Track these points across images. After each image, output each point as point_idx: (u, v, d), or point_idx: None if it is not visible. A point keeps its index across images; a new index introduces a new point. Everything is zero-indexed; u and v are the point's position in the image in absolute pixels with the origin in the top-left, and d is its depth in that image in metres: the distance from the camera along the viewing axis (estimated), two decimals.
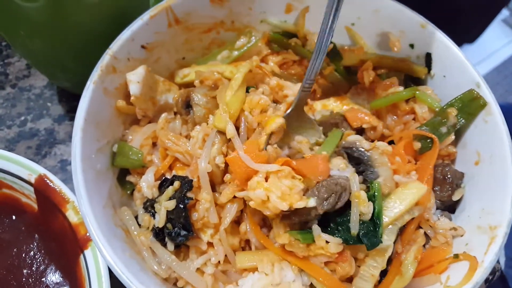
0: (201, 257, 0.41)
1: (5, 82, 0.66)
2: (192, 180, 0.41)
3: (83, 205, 0.37)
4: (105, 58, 0.44)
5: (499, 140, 0.42)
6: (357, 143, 0.41)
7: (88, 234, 0.41)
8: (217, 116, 0.43)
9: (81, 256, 0.41)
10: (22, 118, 0.62)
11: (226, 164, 0.42)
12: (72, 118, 0.62)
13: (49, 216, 0.45)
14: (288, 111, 0.45)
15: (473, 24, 1.44)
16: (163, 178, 0.44)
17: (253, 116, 0.43)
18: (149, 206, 0.43)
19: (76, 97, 0.63)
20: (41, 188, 0.44)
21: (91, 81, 0.43)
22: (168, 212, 0.40)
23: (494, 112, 0.44)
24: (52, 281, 0.45)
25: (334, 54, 0.54)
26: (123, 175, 0.47)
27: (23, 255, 0.46)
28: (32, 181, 0.44)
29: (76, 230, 0.42)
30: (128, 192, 0.47)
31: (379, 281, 0.41)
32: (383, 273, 0.41)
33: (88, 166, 0.39)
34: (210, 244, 0.42)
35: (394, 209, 0.40)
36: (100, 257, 0.40)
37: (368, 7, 0.52)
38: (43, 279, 0.45)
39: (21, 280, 0.45)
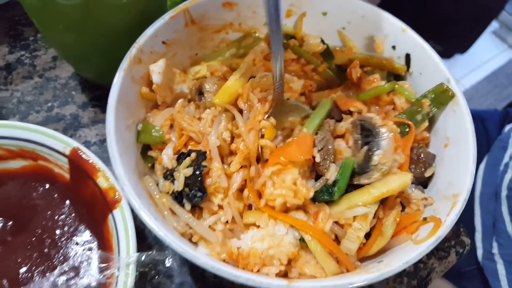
0: (213, 217, 0.48)
1: (33, 73, 0.73)
2: (206, 152, 0.49)
3: (117, 168, 0.44)
4: (133, 51, 0.52)
5: (464, 127, 0.50)
6: (372, 118, 0.49)
7: (116, 197, 0.48)
8: (217, 95, 0.51)
9: (110, 216, 0.49)
10: (49, 104, 0.70)
11: (232, 138, 0.50)
12: (94, 106, 0.70)
13: (81, 184, 0.52)
14: (270, 111, 0.52)
15: (465, 35, 1.53)
16: (180, 152, 0.51)
17: (254, 95, 0.50)
18: (169, 175, 0.50)
19: (98, 88, 0.72)
20: (75, 159, 0.51)
21: (121, 69, 0.51)
22: (186, 178, 0.48)
23: (460, 103, 0.52)
24: (82, 239, 0.52)
25: (327, 54, 0.62)
26: (145, 151, 0.55)
27: (56, 217, 0.53)
28: (67, 153, 0.52)
29: (106, 194, 0.49)
30: (149, 165, 0.54)
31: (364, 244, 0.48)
32: (367, 237, 0.48)
33: (120, 138, 0.47)
34: (220, 207, 0.49)
35: (382, 189, 0.47)
36: (127, 214, 0.47)
37: (357, 13, 0.61)
38: (74, 237, 0.52)
39: (54, 238, 0.52)
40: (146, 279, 0.48)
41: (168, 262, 0.47)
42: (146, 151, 0.55)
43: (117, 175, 0.44)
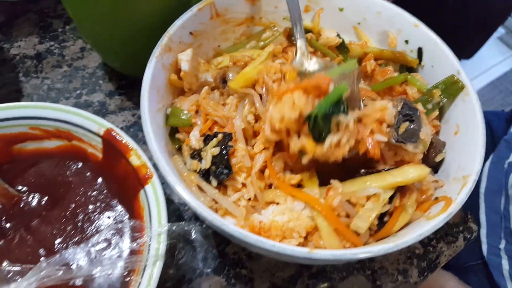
0: (237, 194, 0.52)
1: (62, 62, 0.77)
2: (231, 133, 0.52)
3: (152, 145, 0.48)
4: (164, 39, 0.56)
5: (474, 115, 0.54)
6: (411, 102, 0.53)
7: (148, 173, 0.52)
8: (233, 80, 0.55)
9: (141, 191, 0.52)
10: (78, 92, 0.74)
11: (255, 121, 0.54)
12: (120, 94, 0.74)
13: (113, 162, 0.56)
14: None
15: (470, 40, 1.55)
16: (206, 135, 0.55)
17: (269, 77, 0.54)
18: (196, 155, 0.54)
19: (123, 77, 0.76)
20: (109, 139, 0.55)
21: (153, 56, 0.55)
22: (213, 157, 0.51)
23: (470, 93, 0.55)
24: (114, 213, 0.55)
25: (342, 48, 0.66)
26: (172, 135, 0.58)
27: (89, 193, 0.57)
28: (101, 133, 0.55)
29: (138, 171, 0.53)
30: (176, 147, 0.58)
31: (379, 227, 0.51)
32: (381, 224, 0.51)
33: (153, 119, 0.51)
34: (243, 185, 0.53)
35: (398, 177, 0.50)
36: (158, 189, 0.51)
37: (373, 9, 0.64)
38: (106, 211, 0.56)
39: (87, 212, 0.55)
40: (174, 252, 0.51)
41: (194, 234, 0.51)
42: (173, 134, 0.59)
43: (152, 151, 0.48)
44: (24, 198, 0.57)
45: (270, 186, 0.54)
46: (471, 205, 0.69)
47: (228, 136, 0.52)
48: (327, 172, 0.56)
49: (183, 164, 0.54)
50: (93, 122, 0.56)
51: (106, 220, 0.55)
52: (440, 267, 0.64)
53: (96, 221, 0.55)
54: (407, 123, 0.52)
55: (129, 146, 0.54)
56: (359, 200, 0.50)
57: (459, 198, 0.47)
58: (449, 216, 0.45)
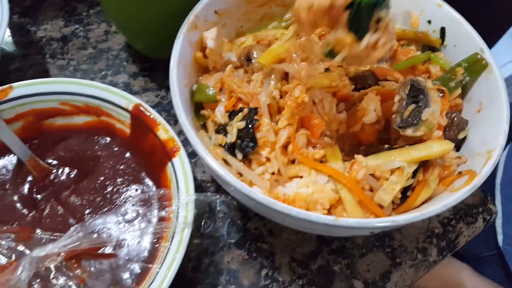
0: (261, 167, 0.53)
1: (87, 44, 0.79)
2: (257, 108, 0.54)
3: (181, 116, 0.49)
4: (191, 17, 0.57)
5: (498, 92, 0.54)
6: (422, 81, 0.52)
7: (175, 147, 0.54)
8: (261, 56, 0.56)
9: (169, 164, 0.54)
10: (103, 73, 0.75)
11: (280, 97, 0.55)
12: (144, 75, 0.75)
13: (141, 137, 0.57)
14: None
15: (483, 38, 1.54)
16: (231, 110, 0.56)
17: (298, 56, 0.54)
18: (221, 129, 0.55)
19: (147, 59, 0.78)
20: (137, 114, 0.57)
21: (181, 33, 0.56)
22: (238, 131, 0.53)
23: (494, 71, 0.55)
24: (142, 185, 0.57)
25: None
26: (197, 111, 0.60)
27: (117, 167, 0.59)
28: (130, 108, 0.57)
29: (166, 145, 0.54)
30: (201, 123, 0.59)
31: (402, 201, 0.52)
32: (404, 198, 0.52)
33: (181, 93, 0.52)
34: (267, 159, 0.54)
35: (422, 152, 0.50)
36: (185, 162, 0.52)
37: None
38: (134, 184, 0.57)
39: (116, 184, 0.57)
40: (199, 223, 0.53)
41: (219, 205, 0.52)
42: (197, 111, 0.60)
43: (182, 124, 0.49)
44: (54, 171, 0.59)
45: (293, 162, 0.55)
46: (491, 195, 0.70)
47: (253, 111, 0.53)
48: (347, 151, 0.57)
49: (208, 139, 0.56)
50: (122, 98, 0.57)
51: (134, 192, 0.57)
52: (459, 247, 0.65)
53: (124, 193, 0.57)
54: (413, 106, 0.51)
55: (157, 121, 0.55)
56: (383, 173, 0.50)
57: (484, 171, 0.47)
58: (473, 188, 0.46)
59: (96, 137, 0.61)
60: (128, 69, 0.76)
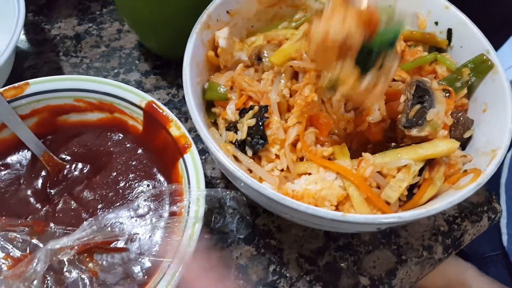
0: (271, 164, 0.54)
1: (100, 43, 0.81)
2: (267, 106, 0.55)
3: (193, 113, 0.51)
4: (203, 16, 0.59)
5: (503, 93, 0.55)
6: (428, 81, 0.53)
7: (187, 143, 0.55)
8: (273, 56, 0.57)
9: (180, 160, 0.55)
10: (116, 70, 0.77)
11: (290, 95, 0.56)
12: (155, 74, 0.77)
13: (153, 133, 0.59)
14: None
15: (491, 39, 1.54)
16: (242, 108, 0.58)
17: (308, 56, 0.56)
18: (232, 127, 0.57)
19: (158, 58, 0.79)
20: (150, 111, 0.58)
21: (194, 32, 0.57)
22: (249, 128, 0.54)
23: (500, 72, 0.56)
24: (153, 181, 0.58)
25: None
26: (208, 109, 0.61)
27: (129, 163, 0.60)
28: (143, 105, 0.58)
29: (178, 141, 0.55)
30: (212, 120, 0.61)
31: (408, 198, 0.53)
32: (410, 195, 0.53)
33: (193, 91, 0.54)
34: (277, 156, 0.55)
35: (429, 150, 0.51)
36: (197, 158, 0.53)
37: None
38: (146, 180, 0.59)
39: (128, 180, 0.59)
40: (210, 218, 0.54)
41: (229, 201, 0.54)
42: (209, 109, 0.61)
43: (194, 120, 0.51)
44: (68, 166, 0.60)
45: (301, 159, 0.57)
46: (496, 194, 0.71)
47: (264, 108, 0.55)
48: (354, 149, 0.58)
49: (219, 136, 0.57)
50: (135, 95, 0.59)
51: (145, 187, 0.58)
52: (464, 245, 0.66)
53: (136, 188, 0.58)
54: (418, 106, 0.52)
55: (170, 118, 0.57)
56: (390, 171, 0.51)
57: (489, 169, 0.48)
58: (478, 185, 0.47)
59: (109, 133, 0.63)
60: (140, 67, 0.78)
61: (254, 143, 0.54)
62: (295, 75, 0.58)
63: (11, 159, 0.60)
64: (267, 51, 0.61)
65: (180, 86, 0.76)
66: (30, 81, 0.59)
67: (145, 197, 0.55)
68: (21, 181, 0.59)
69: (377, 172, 0.52)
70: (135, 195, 0.58)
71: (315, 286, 0.59)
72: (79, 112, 0.62)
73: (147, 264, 0.51)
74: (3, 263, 0.52)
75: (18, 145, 0.60)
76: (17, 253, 0.53)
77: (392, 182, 0.51)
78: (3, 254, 0.52)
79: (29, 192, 0.58)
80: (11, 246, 0.53)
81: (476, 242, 1.08)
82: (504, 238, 1.01)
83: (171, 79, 0.76)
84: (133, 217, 0.54)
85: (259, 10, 0.68)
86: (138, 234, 0.54)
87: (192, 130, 0.68)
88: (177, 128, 0.56)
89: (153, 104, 0.58)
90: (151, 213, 0.54)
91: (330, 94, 0.50)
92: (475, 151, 0.55)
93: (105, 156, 0.61)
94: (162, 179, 0.59)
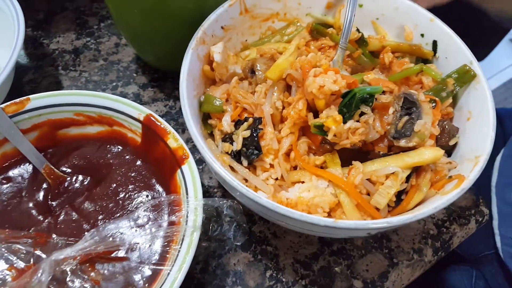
0: (265, 173, 0.57)
1: (98, 56, 0.83)
2: (261, 118, 0.57)
3: (190, 126, 0.53)
4: (199, 32, 0.61)
5: (485, 101, 0.58)
6: (415, 93, 0.56)
7: (185, 155, 0.57)
8: (269, 71, 0.60)
9: (178, 171, 0.57)
10: (114, 83, 0.79)
11: (283, 108, 0.59)
12: (153, 86, 0.79)
13: (152, 145, 0.61)
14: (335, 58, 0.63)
15: (483, 42, 1.58)
16: (237, 120, 0.60)
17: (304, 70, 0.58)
18: (227, 138, 0.59)
19: (156, 71, 0.82)
20: (148, 124, 0.60)
21: (190, 47, 0.60)
22: (244, 139, 0.56)
23: (482, 81, 0.59)
24: (152, 191, 0.60)
25: (362, 41, 0.70)
26: (204, 121, 0.63)
27: (129, 174, 0.62)
28: (141, 119, 0.60)
29: (175, 153, 0.57)
30: (208, 132, 0.63)
31: (396, 204, 0.55)
32: (398, 201, 0.55)
33: (190, 104, 0.56)
34: (271, 166, 0.58)
35: (415, 158, 0.54)
36: (194, 168, 0.55)
37: (391, 6, 0.69)
38: (145, 190, 0.61)
39: (128, 191, 0.61)
40: (207, 227, 0.56)
41: (226, 210, 0.56)
42: (205, 121, 0.64)
43: (191, 132, 0.53)
44: (69, 178, 0.62)
45: (295, 168, 0.59)
46: (483, 198, 0.74)
47: (258, 120, 0.57)
48: (346, 157, 0.60)
49: (215, 147, 0.60)
50: (133, 109, 0.61)
51: (145, 198, 0.60)
52: (453, 248, 0.68)
53: (136, 199, 0.60)
54: (406, 117, 0.55)
55: (167, 130, 0.59)
56: (379, 178, 0.54)
57: (472, 175, 0.51)
58: (462, 191, 0.50)
59: (108, 146, 0.65)
60: (138, 80, 0.80)
61: (249, 154, 0.56)
62: (287, 88, 0.61)
63: (13, 172, 0.62)
64: (260, 65, 0.64)
65: (177, 98, 0.78)
66: (31, 96, 0.61)
67: (145, 208, 0.57)
68: (23, 193, 0.61)
69: (367, 179, 0.55)
70: (135, 206, 0.60)
71: None
72: (79, 126, 0.64)
73: (148, 272, 0.53)
74: (7, 275, 0.54)
75: (19, 159, 0.62)
76: (21, 264, 0.54)
77: (381, 189, 0.54)
78: (7, 266, 0.54)
79: (31, 205, 0.60)
80: (15, 257, 0.55)
81: (471, 243, 1.11)
82: (497, 238, 1.04)
83: (168, 91, 0.79)
84: (133, 227, 0.56)
85: (253, 24, 0.70)
86: (138, 243, 0.56)
87: (189, 140, 0.70)
88: (174, 140, 0.58)
89: (151, 117, 0.60)
90: (150, 223, 0.56)
91: (318, 133, 0.56)
92: (460, 157, 0.58)
93: (105, 168, 0.63)
94: (160, 189, 0.61)
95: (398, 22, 0.70)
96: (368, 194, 0.55)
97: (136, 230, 0.56)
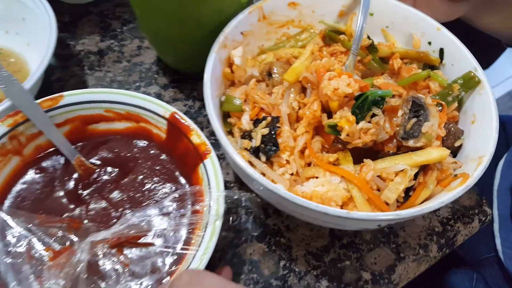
0: (282, 168, 0.61)
1: (122, 58, 0.88)
2: (279, 117, 0.62)
3: (214, 122, 0.57)
4: (221, 37, 0.66)
5: (489, 106, 0.62)
6: (423, 97, 0.60)
7: (207, 150, 0.61)
8: (286, 73, 0.64)
9: (201, 165, 0.61)
10: (137, 84, 0.84)
11: (299, 108, 0.63)
12: (173, 87, 0.84)
13: (176, 141, 0.65)
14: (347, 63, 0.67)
15: (488, 51, 1.61)
16: (256, 118, 0.64)
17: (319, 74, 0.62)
18: (247, 135, 0.63)
19: (176, 73, 0.86)
20: (173, 121, 0.64)
21: (213, 51, 0.64)
22: (262, 136, 0.61)
23: (486, 87, 0.63)
24: (176, 184, 0.64)
25: (372, 48, 0.74)
26: (224, 120, 0.68)
27: (154, 167, 0.66)
28: (167, 116, 0.64)
29: (198, 148, 0.61)
30: (227, 130, 0.67)
31: (404, 199, 0.59)
32: (406, 197, 0.59)
33: (213, 103, 0.60)
34: (287, 162, 0.62)
35: (423, 157, 0.58)
36: (216, 163, 0.59)
37: (399, 14, 0.73)
38: (169, 183, 0.65)
39: (153, 183, 0.64)
40: (228, 218, 0.60)
41: (244, 202, 0.59)
42: (224, 119, 0.68)
43: (215, 128, 0.57)
44: (98, 170, 0.67)
45: (309, 164, 0.63)
46: (486, 199, 0.78)
47: (276, 119, 0.62)
48: (357, 156, 0.64)
49: (235, 143, 0.64)
50: (159, 107, 0.65)
51: (169, 189, 0.65)
52: (457, 245, 0.72)
53: (160, 190, 0.64)
54: (414, 120, 0.59)
55: (191, 127, 0.63)
56: (389, 175, 0.58)
57: (475, 173, 0.55)
58: (466, 187, 0.53)
59: (134, 140, 0.69)
60: (159, 81, 0.85)
61: (267, 150, 0.60)
62: (303, 90, 0.65)
63: (46, 163, 0.67)
64: (276, 68, 0.68)
65: (195, 98, 0.83)
66: (64, 93, 0.66)
67: (170, 198, 0.61)
68: (55, 183, 0.65)
69: (377, 176, 0.59)
70: (160, 196, 0.64)
71: (321, 280, 0.64)
72: (108, 122, 0.69)
73: (173, 257, 0.57)
74: (45, 255, 0.58)
75: (52, 151, 0.67)
76: (57, 247, 0.58)
77: (391, 185, 0.58)
78: (44, 247, 0.58)
79: (62, 193, 0.64)
80: (51, 240, 0.59)
81: (472, 246, 1.14)
82: (498, 241, 1.07)
83: (188, 92, 0.83)
84: (159, 215, 0.60)
85: (270, 30, 0.75)
86: (164, 230, 0.60)
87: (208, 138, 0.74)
88: (197, 136, 0.63)
89: (176, 115, 0.65)
90: (175, 211, 0.60)
91: (331, 133, 0.60)
92: (465, 158, 0.62)
93: (131, 161, 0.67)
94: (184, 181, 0.65)
95: (406, 30, 0.74)
96: (378, 190, 0.59)
97: (162, 218, 0.60)
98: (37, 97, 0.76)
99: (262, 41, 0.76)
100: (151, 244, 0.59)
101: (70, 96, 0.66)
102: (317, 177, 0.60)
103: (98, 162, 0.68)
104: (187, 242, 0.58)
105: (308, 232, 0.69)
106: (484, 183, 0.77)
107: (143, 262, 0.58)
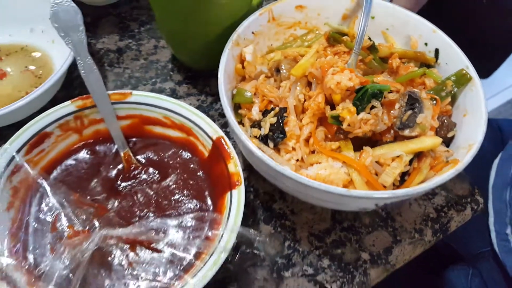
0: (288, 154, 0.67)
1: (139, 56, 0.95)
2: (286, 107, 0.68)
3: (227, 112, 0.63)
4: (234, 36, 0.72)
5: (479, 101, 0.67)
6: (418, 91, 0.66)
7: (238, 181, 0.61)
8: (293, 69, 0.70)
9: (228, 193, 0.61)
10: (153, 80, 0.90)
11: (304, 100, 0.69)
12: (187, 83, 0.90)
13: (215, 163, 0.66)
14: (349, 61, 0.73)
15: (488, 60, 1.66)
16: (264, 110, 0.70)
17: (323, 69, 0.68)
18: (256, 124, 0.69)
19: (190, 70, 0.93)
20: (218, 144, 0.66)
21: (227, 48, 0.71)
22: (271, 125, 0.67)
23: (476, 84, 0.69)
24: (202, 203, 0.66)
25: (373, 48, 0.80)
26: (235, 110, 0.74)
27: (188, 180, 0.68)
28: (214, 138, 0.66)
29: (232, 176, 0.62)
30: (238, 120, 0.73)
31: (400, 183, 0.65)
32: (402, 181, 0.65)
33: (226, 95, 0.66)
34: (293, 149, 0.67)
35: (418, 144, 0.64)
36: (242, 196, 0.59)
37: (399, 18, 0.79)
38: (196, 200, 0.66)
39: (183, 195, 0.67)
40: (237, 252, 0.60)
41: (256, 243, 0.60)
42: (236, 111, 0.74)
43: (228, 117, 0.63)
44: (140, 168, 0.70)
45: (313, 152, 0.69)
46: (479, 189, 0.83)
47: (283, 109, 0.67)
48: (357, 144, 0.70)
49: (245, 132, 0.70)
50: (210, 127, 0.67)
51: (194, 205, 0.66)
52: (450, 231, 0.77)
53: (186, 204, 0.66)
54: (409, 112, 0.64)
55: (231, 155, 0.64)
56: (386, 161, 0.64)
57: (465, 159, 0.60)
58: (456, 171, 0.59)
59: (181, 150, 0.72)
60: (174, 77, 0.91)
61: (275, 137, 0.66)
62: (308, 84, 0.71)
63: (99, 147, 0.72)
64: (284, 65, 0.74)
65: (208, 94, 0.89)
66: (133, 92, 0.71)
67: (192, 215, 0.63)
68: (101, 168, 0.69)
69: (375, 161, 0.64)
70: (183, 210, 0.66)
71: (323, 259, 0.70)
72: (163, 127, 0.72)
73: (174, 272, 0.58)
74: (66, 231, 0.62)
75: (107, 138, 0.72)
76: (79, 227, 0.62)
77: (388, 170, 0.63)
78: (68, 224, 0.63)
79: (102, 179, 0.68)
80: (76, 219, 0.63)
81: (469, 240, 1.19)
82: (493, 235, 1.12)
83: (201, 88, 0.90)
84: (176, 227, 0.62)
85: (278, 31, 0.81)
86: (175, 243, 0.61)
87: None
88: (234, 165, 0.63)
89: (222, 139, 0.66)
90: (191, 230, 0.62)
91: (333, 123, 0.65)
92: (456, 147, 0.67)
93: (171, 168, 0.70)
94: (209, 203, 0.66)
95: (405, 32, 0.80)
96: (376, 174, 0.64)
97: (177, 231, 0.62)
98: (60, 91, 0.83)
99: (271, 41, 0.82)
100: (159, 251, 0.61)
101: (137, 96, 0.70)
102: (320, 163, 0.66)
103: (143, 161, 0.71)
104: (190, 264, 0.58)
105: (311, 215, 0.74)
106: (478, 183, 0.83)
107: (148, 267, 0.60)
